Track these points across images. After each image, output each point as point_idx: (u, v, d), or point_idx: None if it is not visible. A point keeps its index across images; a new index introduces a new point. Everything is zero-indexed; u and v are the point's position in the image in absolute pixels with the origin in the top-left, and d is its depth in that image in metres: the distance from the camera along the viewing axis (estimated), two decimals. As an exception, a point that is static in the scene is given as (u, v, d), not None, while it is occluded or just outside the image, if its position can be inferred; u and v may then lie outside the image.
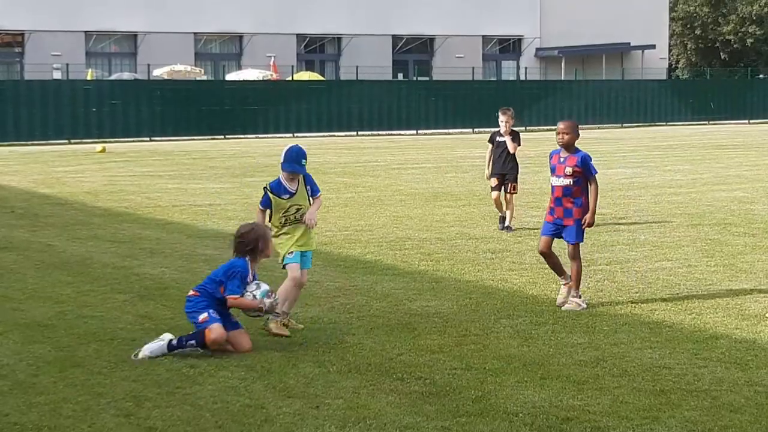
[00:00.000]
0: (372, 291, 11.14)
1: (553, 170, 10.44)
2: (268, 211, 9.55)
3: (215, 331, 8.52)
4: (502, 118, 16.05)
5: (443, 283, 11.64)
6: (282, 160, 9.50)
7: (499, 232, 15.39)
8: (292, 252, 9.47)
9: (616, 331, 9.22)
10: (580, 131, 10.60)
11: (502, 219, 15.85)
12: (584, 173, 10.26)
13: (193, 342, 8.55)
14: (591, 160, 10.38)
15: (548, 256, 10.42)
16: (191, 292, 8.92)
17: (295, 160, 9.43)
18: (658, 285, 11.24)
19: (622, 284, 11.33)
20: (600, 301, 10.48)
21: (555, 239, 10.45)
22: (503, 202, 15.85)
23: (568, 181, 10.24)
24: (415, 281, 11.71)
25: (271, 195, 9.47)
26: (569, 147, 10.38)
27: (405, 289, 11.22)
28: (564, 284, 10.33)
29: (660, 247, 13.83)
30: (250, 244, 8.92)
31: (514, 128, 16.32)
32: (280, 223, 9.49)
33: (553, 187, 10.41)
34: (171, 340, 8.59)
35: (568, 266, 10.44)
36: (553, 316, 9.82)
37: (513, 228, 15.63)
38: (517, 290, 11.13)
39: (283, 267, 9.55)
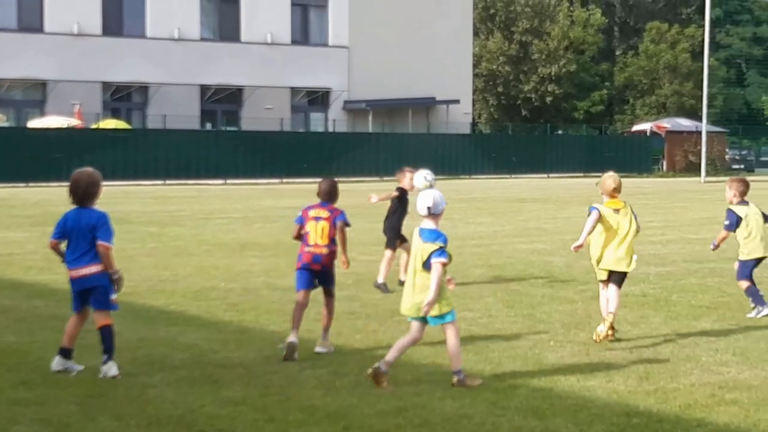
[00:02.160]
0: (175, 342, 10.94)
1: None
2: None
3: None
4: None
5: (248, 333, 11.52)
6: None
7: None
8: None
9: (418, 381, 9.27)
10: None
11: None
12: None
13: None
14: None
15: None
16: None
17: None
18: (460, 335, 11.34)
19: (425, 334, 11.39)
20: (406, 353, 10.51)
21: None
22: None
23: None
24: (220, 332, 11.56)
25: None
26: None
27: (209, 340, 11.05)
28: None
29: (462, 298, 14.01)
30: None
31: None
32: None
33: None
34: None
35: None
36: (356, 366, 9.81)
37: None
38: (322, 341, 11.08)
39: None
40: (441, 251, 9.01)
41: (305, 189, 47.09)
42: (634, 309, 13.03)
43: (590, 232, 11.38)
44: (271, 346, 10.73)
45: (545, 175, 63.78)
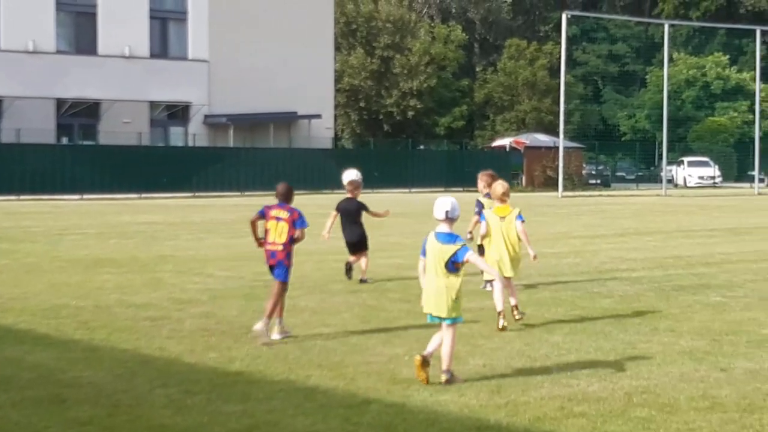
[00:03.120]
0: (22, 362, 10.66)
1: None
2: None
3: None
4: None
5: (98, 352, 11.29)
6: None
7: (160, 301, 15.16)
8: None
9: (271, 398, 9.20)
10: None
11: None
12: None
13: None
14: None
15: None
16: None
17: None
18: (315, 351, 11.34)
19: (280, 350, 11.36)
20: (257, 368, 10.45)
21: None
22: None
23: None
24: (69, 351, 11.31)
25: None
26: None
27: (57, 359, 10.81)
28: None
29: (319, 313, 14.01)
30: None
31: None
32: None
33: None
34: None
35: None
36: (209, 385, 9.70)
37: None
38: (174, 359, 10.94)
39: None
40: (465, 248, 9.82)
41: (164, 204, 46.60)
42: (488, 323, 13.16)
43: (483, 237, 13.44)
44: (121, 365, 10.55)
45: (407, 190, 64.26)
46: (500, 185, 13.54)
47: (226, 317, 13.68)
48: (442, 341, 9.93)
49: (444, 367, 9.82)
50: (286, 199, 12.70)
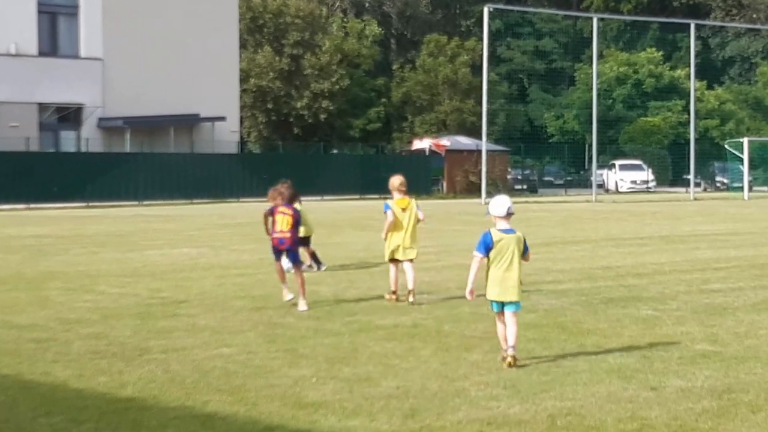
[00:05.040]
0: None
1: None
2: None
3: None
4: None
5: (-24, 378, 11.10)
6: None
7: (47, 321, 14.95)
8: None
9: (165, 426, 9.10)
10: None
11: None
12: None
13: None
14: None
15: None
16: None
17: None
18: (215, 374, 11.25)
19: (176, 374, 11.25)
20: (151, 393, 10.34)
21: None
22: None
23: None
24: (-56, 378, 11.10)
25: None
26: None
27: (-70, 388, 10.60)
28: None
29: (220, 333, 13.91)
30: None
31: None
32: None
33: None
34: None
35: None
36: (97, 412, 9.57)
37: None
38: (60, 384, 10.78)
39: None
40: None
41: (54, 216, 46.05)
42: (403, 341, 13.17)
43: (389, 230, 16.62)
44: (1, 392, 10.37)
45: (319, 198, 64.19)
46: (396, 178, 16.73)
47: (118, 338, 13.52)
48: (506, 327, 11.67)
49: (511, 343, 11.59)
50: (291, 201, 16.73)
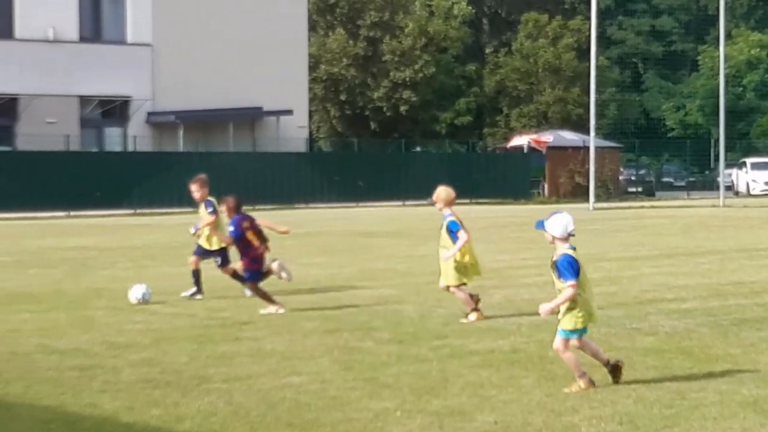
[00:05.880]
0: None
1: None
2: None
3: None
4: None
5: (14, 410, 11.28)
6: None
7: (92, 345, 15.14)
8: None
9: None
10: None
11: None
12: None
13: None
14: None
15: None
16: None
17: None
18: (284, 406, 11.31)
19: (240, 406, 11.33)
20: (211, 428, 10.43)
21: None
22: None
23: None
24: (-24, 410, 11.30)
25: None
26: None
27: (-39, 421, 10.80)
28: None
29: (289, 359, 13.98)
30: None
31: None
32: None
33: None
34: None
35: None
36: (150, 450, 9.70)
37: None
38: (108, 417, 10.91)
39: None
40: None
41: (98, 224, 46.58)
42: (501, 368, 13.15)
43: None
44: (42, 426, 10.52)
45: (400, 203, 64.27)
46: (445, 190, 17.44)
47: (173, 365, 13.64)
48: (590, 344, 12.35)
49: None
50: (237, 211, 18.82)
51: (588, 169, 64.42)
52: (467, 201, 64.08)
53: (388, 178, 65.61)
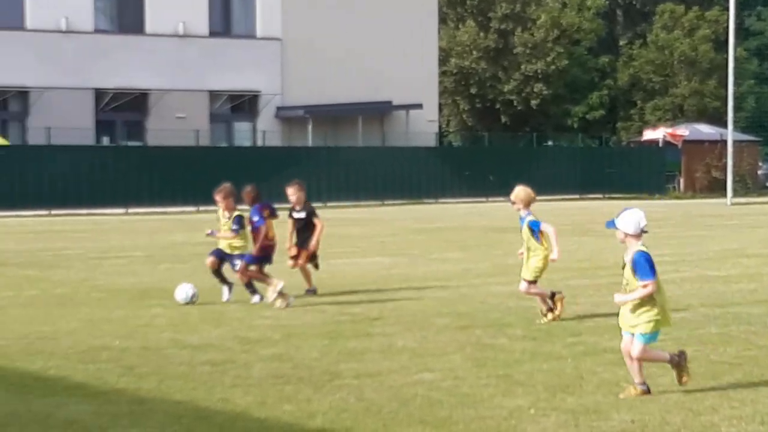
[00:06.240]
0: (52, 418, 10.82)
1: None
2: None
3: None
4: (288, 191, 21.08)
5: (147, 405, 11.42)
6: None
7: (223, 340, 15.30)
8: None
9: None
10: None
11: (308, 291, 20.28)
12: None
13: None
14: None
15: None
16: None
17: None
18: (416, 403, 11.33)
19: (372, 403, 11.37)
20: (343, 425, 10.48)
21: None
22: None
23: None
24: (111, 403, 11.45)
25: None
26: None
27: (96, 414, 10.95)
28: None
29: (421, 356, 14.00)
30: None
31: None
32: None
33: None
34: None
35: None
36: (283, 445, 9.78)
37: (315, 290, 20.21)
38: (240, 413, 11.02)
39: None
40: None
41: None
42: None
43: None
44: (175, 421, 10.65)
45: (532, 198, 63.95)
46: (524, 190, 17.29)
47: (303, 360, 13.74)
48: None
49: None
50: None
51: (725, 164, 63.70)
52: (600, 196, 63.76)
53: (518, 172, 64.87)
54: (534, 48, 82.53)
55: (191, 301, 18.98)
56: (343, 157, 60.43)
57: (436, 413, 10.92)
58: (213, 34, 66.01)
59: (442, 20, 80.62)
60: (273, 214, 19.48)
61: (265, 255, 19.09)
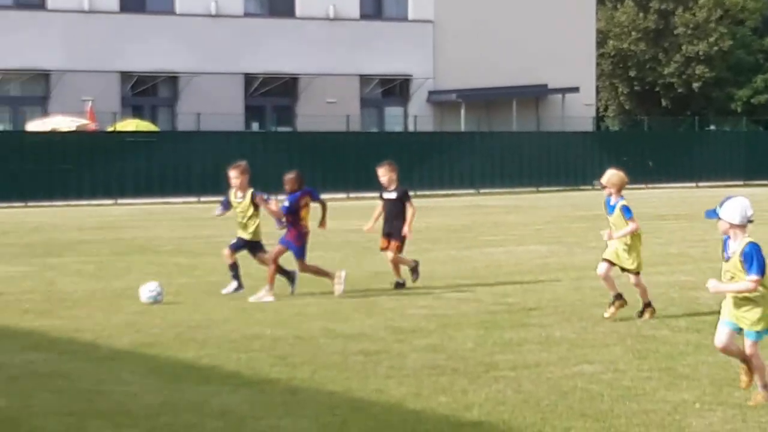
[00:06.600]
0: (206, 406, 10.98)
1: None
2: None
3: None
4: (379, 171, 20.73)
5: (300, 395, 11.53)
6: None
7: (376, 330, 15.37)
8: None
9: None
10: None
11: (397, 284, 19.75)
12: None
13: None
14: None
15: None
16: None
17: None
18: (576, 396, 11.28)
19: (530, 395, 11.34)
20: (500, 417, 10.46)
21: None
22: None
23: None
24: (264, 393, 11.59)
25: None
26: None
27: (250, 404, 11.09)
28: None
29: (580, 347, 13.93)
30: None
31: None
32: None
33: None
34: None
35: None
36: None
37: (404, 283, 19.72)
38: (395, 404, 11.07)
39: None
40: None
41: (378, 206, 47.10)
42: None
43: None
44: (329, 412, 10.73)
45: (693, 185, 63.30)
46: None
47: (458, 351, 13.75)
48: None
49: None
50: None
51: None
52: (764, 182, 62.62)
53: (679, 158, 64.60)
54: (696, 29, 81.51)
55: (156, 301, 17.94)
56: (496, 143, 60.26)
57: (596, 406, 10.86)
58: (364, 16, 66.26)
59: (600, 1, 79.98)
60: (315, 199, 19.83)
61: (301, 244, 19.32)
